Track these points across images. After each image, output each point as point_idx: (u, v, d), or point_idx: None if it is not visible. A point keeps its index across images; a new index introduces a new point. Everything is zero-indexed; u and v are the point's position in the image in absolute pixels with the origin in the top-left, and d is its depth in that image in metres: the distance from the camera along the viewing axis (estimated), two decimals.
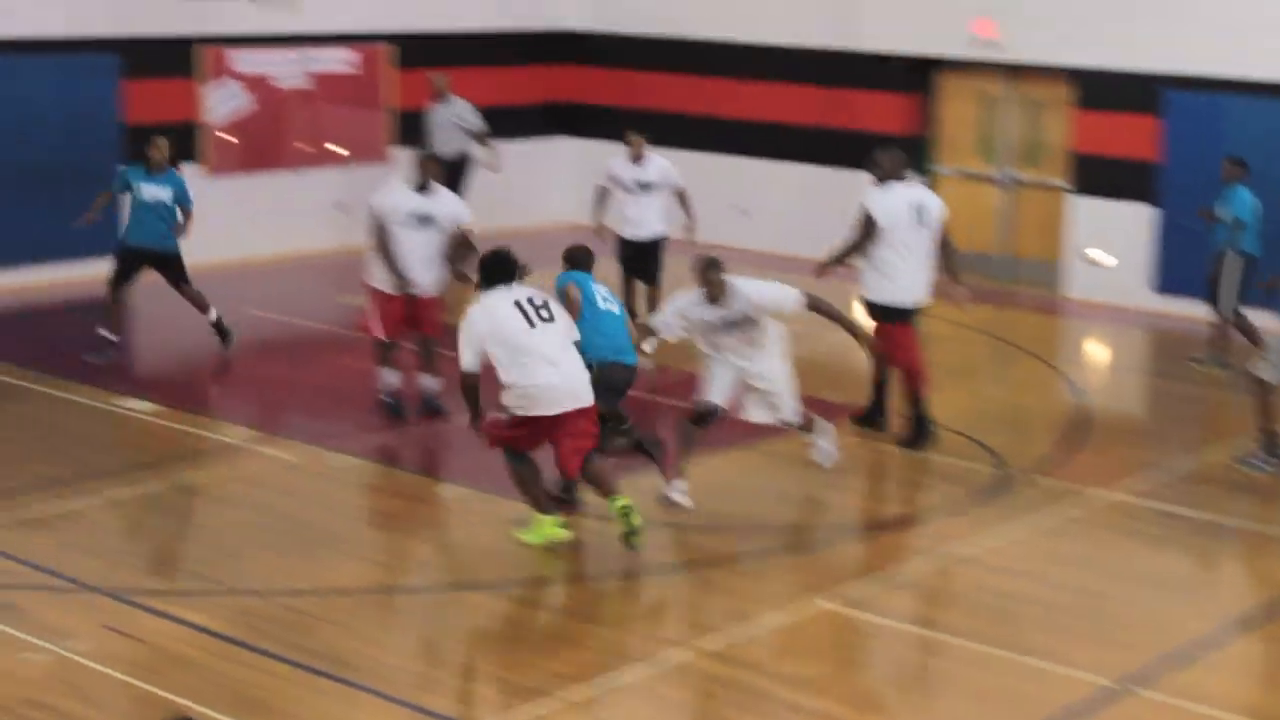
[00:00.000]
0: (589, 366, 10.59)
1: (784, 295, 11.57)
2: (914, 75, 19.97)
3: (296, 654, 8.99)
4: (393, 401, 13.33)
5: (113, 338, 14.72)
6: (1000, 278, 19.30)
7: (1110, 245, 18.05)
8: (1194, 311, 16.67)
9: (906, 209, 12.78)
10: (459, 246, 13.05)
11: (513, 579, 10.26)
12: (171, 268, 14.85)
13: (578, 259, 11.73)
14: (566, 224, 20.74)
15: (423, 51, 20.60)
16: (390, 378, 13.35)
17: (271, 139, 19.47)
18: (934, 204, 12.99)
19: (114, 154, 17.65)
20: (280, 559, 10.45)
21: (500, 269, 10.46)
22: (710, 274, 11.40)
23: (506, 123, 21.04)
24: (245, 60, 19.23)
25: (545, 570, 10.52)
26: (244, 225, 18.96)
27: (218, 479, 12.18)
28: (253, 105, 19.21)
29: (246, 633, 9.24)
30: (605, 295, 11.55)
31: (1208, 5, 17.74)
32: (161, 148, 14.73)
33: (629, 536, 10.39)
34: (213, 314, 15.07)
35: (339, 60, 20.05)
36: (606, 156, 16.58)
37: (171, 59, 18.62)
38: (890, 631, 9.79)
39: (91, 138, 17.91)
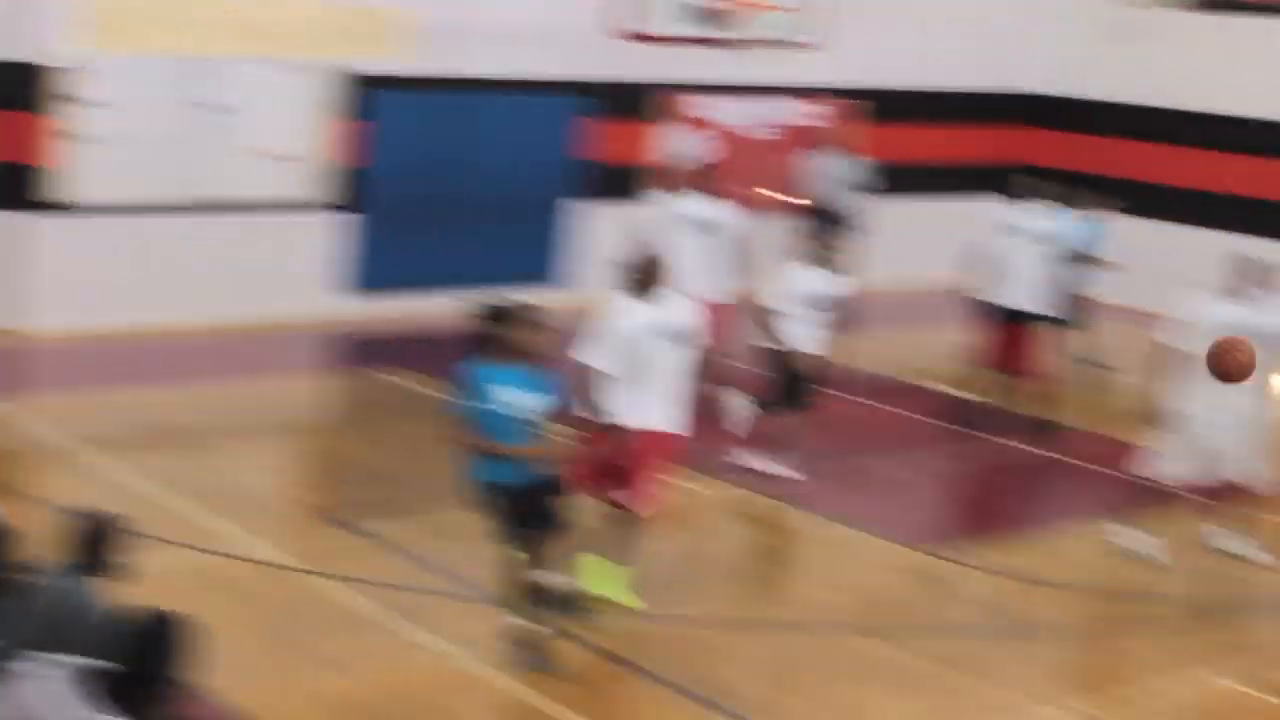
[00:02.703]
0: None
1: None
2: None
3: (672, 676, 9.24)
4: None
5: None
6: None
7: None
8: None
9: None
10: None
11: (898, 624, 10.26)
12: None
13: None
14: None
15: (886, 107, 20.86)
16: None
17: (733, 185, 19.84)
18: None
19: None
20: (677, 587, 10.70)
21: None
22: None
23: (961, 179, 21.21)
24: (711, 107, 19.80)
25: (932, 618, 10.49)
26: None
27: None
28: (718, 151, 19.58)
29: (634, 654, 9.50)
30: None
31: None
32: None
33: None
34: None
35: (807, 112, 20.41)
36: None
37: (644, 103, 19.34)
38: None
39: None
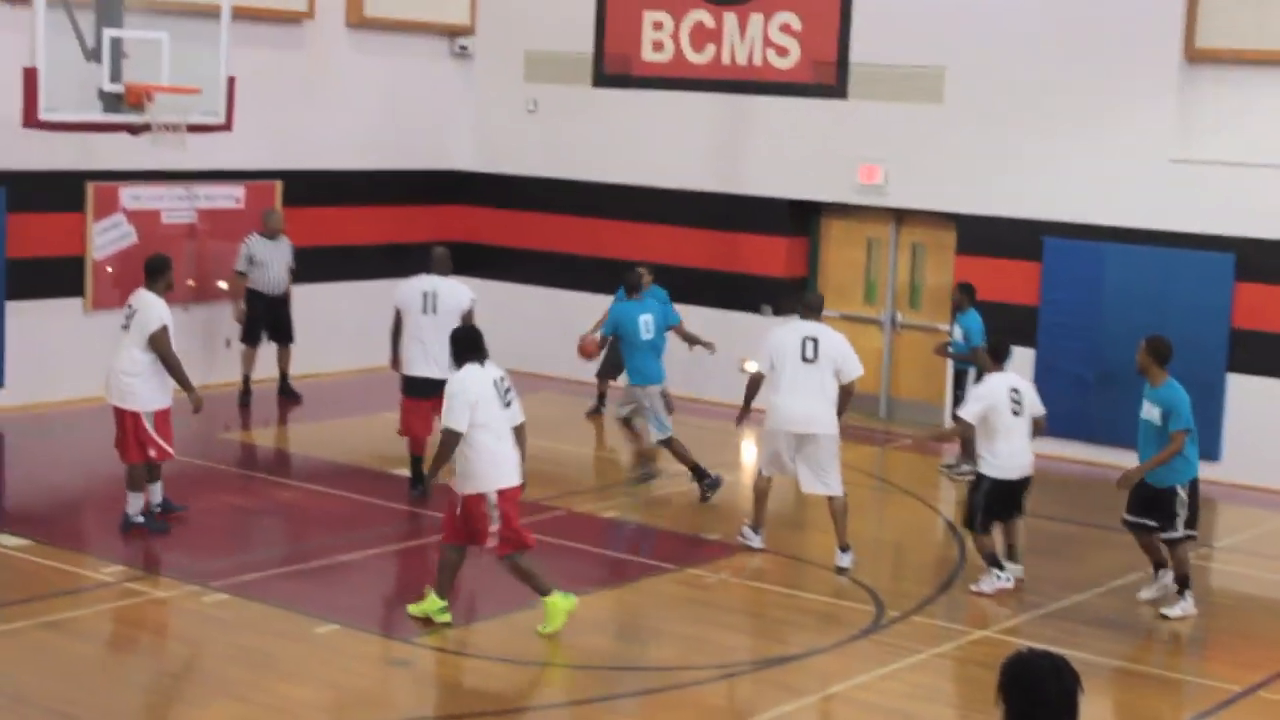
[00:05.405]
0: None
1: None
2: (796, 218, 20.31)
3: None
4: None
5: None
6: (883, 418, 19.49)
7: None
8: (1069, 450, 17.17)
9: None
10: None
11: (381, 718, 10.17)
12: None
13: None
14: None
15: (310, 188, 20.70)
16: None
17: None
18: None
19: None
20: (143, 696, 10.26)
21: (472, 347, 11.48)
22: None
23: (397, 260, 21.31)
24: (132, 195, 19.16)
25: (419, 709, 10.44)
26: None
27: (88, 616, 11.94)
28: (137, 240, 19.01)
29: None
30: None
31: (1083, 157, 18.18)
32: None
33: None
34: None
35: (227, 196, 20.03)
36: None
37: (59, 193, 18.53)
38: None
39: None
